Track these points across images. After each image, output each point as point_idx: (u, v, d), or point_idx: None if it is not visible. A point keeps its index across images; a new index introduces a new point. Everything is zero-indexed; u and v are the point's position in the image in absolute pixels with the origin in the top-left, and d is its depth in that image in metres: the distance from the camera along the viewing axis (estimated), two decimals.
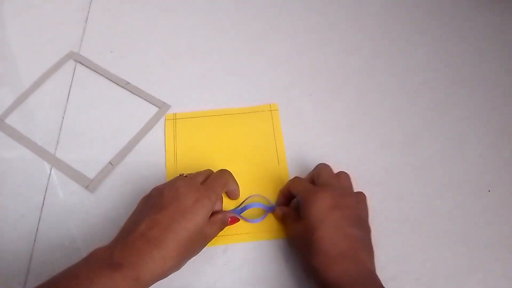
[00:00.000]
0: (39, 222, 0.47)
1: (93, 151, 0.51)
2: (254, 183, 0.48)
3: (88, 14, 0.64)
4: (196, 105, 0.54)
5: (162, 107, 0.54)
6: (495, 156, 0.50)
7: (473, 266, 0.44)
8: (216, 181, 0.42)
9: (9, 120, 0.54)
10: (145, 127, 0.53)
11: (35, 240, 0.45)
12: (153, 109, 0.54)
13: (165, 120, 0.53)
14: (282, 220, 0.45)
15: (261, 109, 0.53)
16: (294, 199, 0.45)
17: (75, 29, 0.62)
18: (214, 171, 0.45)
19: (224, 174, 0.44)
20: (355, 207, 0.40)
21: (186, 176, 0.43)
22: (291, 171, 0.49)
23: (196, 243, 0.39)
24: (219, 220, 0.42)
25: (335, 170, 0.44)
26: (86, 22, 0.63)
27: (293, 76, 0.57)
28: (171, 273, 0.37)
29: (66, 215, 0.47)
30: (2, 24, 0.63)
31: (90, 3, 0.65)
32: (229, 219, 0.44)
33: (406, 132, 0.52)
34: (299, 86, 0.56)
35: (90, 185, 0.49)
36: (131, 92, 0.56)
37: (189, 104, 0.55)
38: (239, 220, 0.45)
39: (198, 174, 0.43)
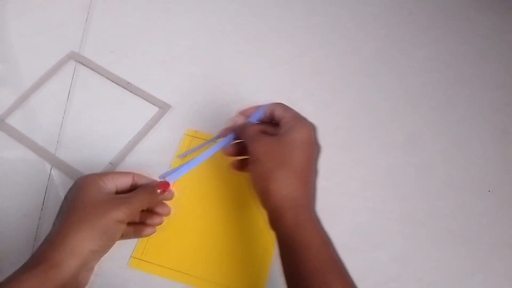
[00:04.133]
0: (39, 222, 0.46)
1: (93, 151, 0.51)
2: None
3: (88, 14, 0.64)
4: (196, 106, 0.54)
5: (163, 107, 0.54)
6: (496, 156, 0.50)
7: (475, 266, 0.43)
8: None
9: (10, 120, 0.54)
10: (145, 127, 0.53)
11: (35, 240, 0.45)
12: (154, 109, 0.54)
13: (184, 134, 0.52)
14: (256, 135, 0.41)
15: None
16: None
17: (75, 29, 0.62)
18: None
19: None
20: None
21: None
22: None
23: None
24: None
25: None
26: (86, 23, 0.63)
27: (294, 77, 0.57)
28: (99, 254, 0.35)
29: None
30: (3, 24, 0.63)
31: (91, 3, 0.65)
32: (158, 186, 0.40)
33: (408, 133, 0.52)
34: (301, 87, 0.56)
35: None
36: (131, 92, 0.56)
37: (189, 104, 0.55)
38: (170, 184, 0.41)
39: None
